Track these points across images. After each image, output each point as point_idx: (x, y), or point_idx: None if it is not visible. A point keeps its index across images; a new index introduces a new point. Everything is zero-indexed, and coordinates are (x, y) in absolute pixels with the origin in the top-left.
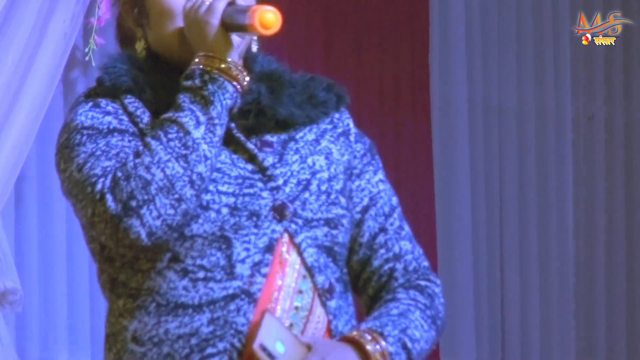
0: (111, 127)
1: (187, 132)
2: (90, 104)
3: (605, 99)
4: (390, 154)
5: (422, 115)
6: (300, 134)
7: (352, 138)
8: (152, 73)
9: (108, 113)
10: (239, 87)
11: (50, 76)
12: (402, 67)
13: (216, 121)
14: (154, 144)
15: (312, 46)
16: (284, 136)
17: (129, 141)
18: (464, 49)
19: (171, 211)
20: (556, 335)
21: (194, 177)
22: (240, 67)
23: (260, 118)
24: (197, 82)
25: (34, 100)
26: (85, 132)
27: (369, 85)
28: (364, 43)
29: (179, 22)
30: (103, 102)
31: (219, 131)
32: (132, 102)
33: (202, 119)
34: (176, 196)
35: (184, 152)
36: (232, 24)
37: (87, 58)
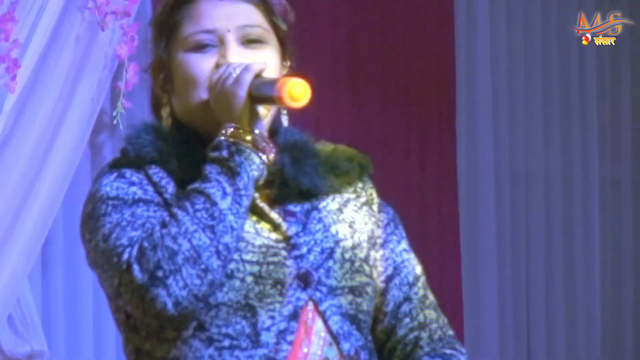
0: (136, 197)
1: (214, 203)
2: (115, 174)
3: (632, 163)
4: (417, 219)
5: (448, 180)
6: (324, 204)
7: (375, 208)
8: (176, 143)
9: (133, 183)
10: (265, 158)
11: (78, 140)
12: (429, 132)
13: (242, 192)
14: (180, 214)
15: (340, 114)
16: (307, 206)
17: (154, 211)
18: (491, 114)
19: (197, 281)
20: None
21: (220, 247)
22: (266, 139)
23: (283, 188)
24: (224, 153)
25: (62, 164)
26: (110, 202)
27: (395, 151)
28: (390, 108)
29: (203, 92)
30: (128, 172)
31: (246, 202)
32: (156, 173)
33: (229, 190)
34: (203, 266)
35: (210, 222)
36: (259, 96)
37: (115, 122)
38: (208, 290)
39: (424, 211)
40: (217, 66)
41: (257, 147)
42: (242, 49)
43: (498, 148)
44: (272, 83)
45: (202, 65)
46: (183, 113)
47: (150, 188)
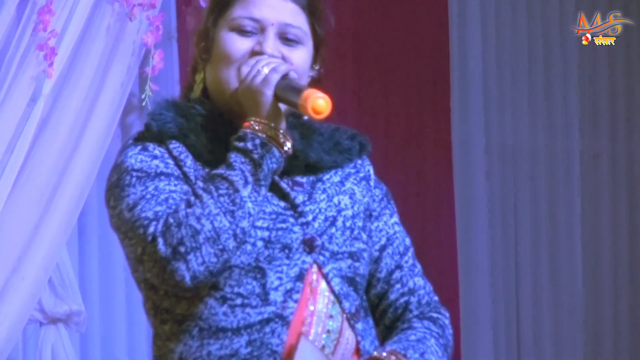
0: (158, 170)
1: (236, 190)
2: (139, 147)
3: (609, 138)
4: (414, 190)
5: (444, 155)
6: (327, 176)
7: (371, 183)
8: (196, 118)
9: (155, 157)
10: (284, 152)
11: (110, 120)
12: (426, 112)
13: (262, 182)
14: (205, 196)
15: (344, 93)
16: (312, 178)
17: (175, 185)
18: (482, 95)
19: (214, 259)
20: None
21: (238, 231)
22: (287, 135)
23: (293, 161)
24: (249, 145)
25: (95, 143)
26: (134, 174)
27: (396, 129)
28: (392, 92)
29: (233, 71)
30: (150, 146)
31: (264, 191)
32: (176, 147)
33: (250, 179)
34: (220, 247)
35: (231, 208)
36: (283, 98)
37: (143, 104)
38: (222, 267)
39: (422, 183)
40: (253, 52)
41: (278, 142)
42: (279, 44)
43: (488, 126)
44: (298, 90)
45: (240, 45)
46: (212, 83)
47: (170, 161)
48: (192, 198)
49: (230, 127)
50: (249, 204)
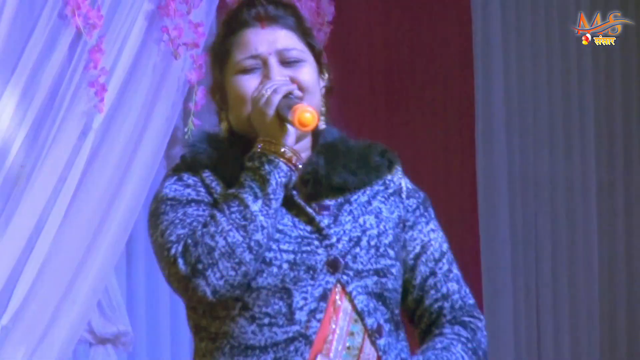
0: (190, 198)
1: (246, 206)
2: (175, 177)
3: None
4: (442, 215)
5: (469, 184)
6: (355, 197)
7: (403, 195)
8: (227, 151)
9: (188, 185)
10: (292, 166)
11: (156, 152)
12: (452, 144)
13: (272, 196)
14: (218, 215)
15: (376, 125)
16: (340, 199)
17: (203, 210)
18: (504, 130)
19: (232, 272)
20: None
21: (252, 243)
22: (293, 150)
23: (318, 186)
24: (256, 163)
25: (142, 173)
26: (169, 202)
27: (424, 159)
28: (420, 127)
29: (249, 107)
30: (185, 175)
31: (275, 204)
32: (208, 176)
33: (259, 194)
34: (237, 260)
35: (243, 222)
36: (282, 116)
37: (186, 137)
38: (243, 279)
39: (448, 208)
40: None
41: (285, 157)
42: (283, 69)
43: (511, 156)
44: (290, 107)
45: (249, 84)
46: (237, 125)
47: (203, 189)
48: (208, 219)
49: None
50: (261, 217)
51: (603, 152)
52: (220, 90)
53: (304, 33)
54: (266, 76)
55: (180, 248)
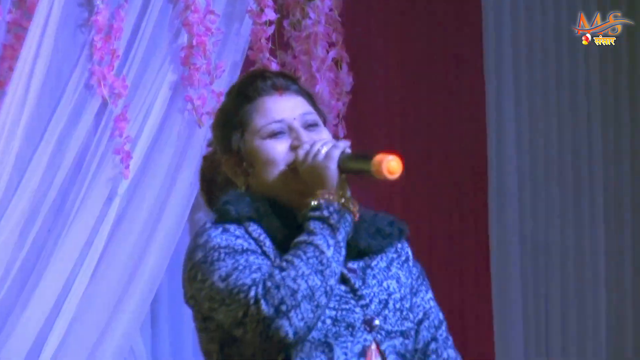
0: (244, 247)
1: (322, 252)
2: (220, 229)
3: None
4: (456, 281)
5: (482, 251)
6: (374, 262)
7: (410, 263)
8: (265, 205)
9: (238, 237)
10: (354, 217)
11: (180, 216)
12: (465, 212)
13: (341, 244)
14: (296, 260)
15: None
16: (361, 264)
17: (262, 260)
18: (517, 198)
19: (311, 315)
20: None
21: (328, 288)
22: (355, 202)
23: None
24: (325, 212)
25: (167, 236)
26: (223, 250)
27: (439, 230)
28: (434, 194)
29: (281, 168)
30: (232, 227)
31: (343, 252)
32: (255, 230)
33: (331, 242)
34: (315, 303)
35: (320, 267)
36: (349, 168)
37: None
38: (316, 323)
39: (462, 274)
40: (292, 147)
41: (348, 209)
42: (306, 132)
43: (523, 222)
44: (365, 158)
45: (280, 148)
46: (264, 189)
47: (252, 241)
48: (284, 263)
49: (289, 216)
50: (334, 264)
51: (612, 219)
52: (238, 156)
53: (310, 97)
54: (296, 139)
55: (260, 290)
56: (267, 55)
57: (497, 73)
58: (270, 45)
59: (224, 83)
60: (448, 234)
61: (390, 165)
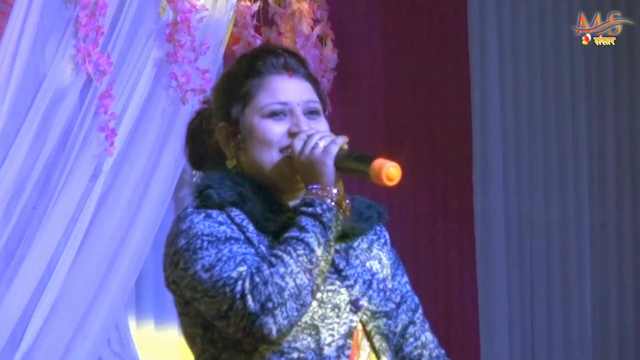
0: (227, 235)
1: (312, 250)
2: (203, 214)
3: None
4: (441, 257)
5: (467, 226)
6: (356, 244)
7: (388, 247)
8: (248, 189)
9: (221, 223)
10: (345, 216)
11: (164, 194)
12: (450, 187)
13: (331, 243)
14: (286, 257)
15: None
16: (344, 245)
17: (245, 248)
18: (501, 173)
19: (295, 313)
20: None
21: (314, 287)
22: (347, 200)
23: None
24: (318, 210)
25: (151, 214)
26: (205, 238)
27: (423, 201)
28: (420, 169)
29: (275, 152)
30: (214, 213)
31: (332, 251)
32: (237, 215)
33: (321, 240)
34: (301, 302)
35: (309, 266)
36: (345, 167)
37: (194, 179)
38: (299, 320)
39: (447, 250)
40: (290, 132)
41: (340, 207)
42: (306, 119)
43: (507, 197)
44: (365, 159)
45: (277, 130)
46: (253, 167)
47: (235, 227)
48: (273, 259)
49: (274, 198)
50: (322, 263)
51: (596, 193)
52: (234, 127)
53: (316, 83)
54: (295, 125)
55: (247, 285)
56: (252, 32)
57: (481, 40)
58: (255, 22)
59: (208, 60)
60: (432, 212)
61: (390, 172)
